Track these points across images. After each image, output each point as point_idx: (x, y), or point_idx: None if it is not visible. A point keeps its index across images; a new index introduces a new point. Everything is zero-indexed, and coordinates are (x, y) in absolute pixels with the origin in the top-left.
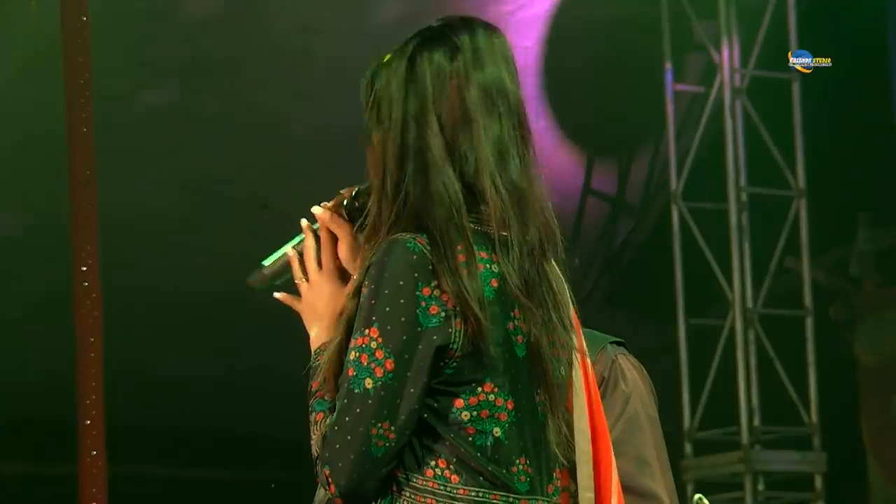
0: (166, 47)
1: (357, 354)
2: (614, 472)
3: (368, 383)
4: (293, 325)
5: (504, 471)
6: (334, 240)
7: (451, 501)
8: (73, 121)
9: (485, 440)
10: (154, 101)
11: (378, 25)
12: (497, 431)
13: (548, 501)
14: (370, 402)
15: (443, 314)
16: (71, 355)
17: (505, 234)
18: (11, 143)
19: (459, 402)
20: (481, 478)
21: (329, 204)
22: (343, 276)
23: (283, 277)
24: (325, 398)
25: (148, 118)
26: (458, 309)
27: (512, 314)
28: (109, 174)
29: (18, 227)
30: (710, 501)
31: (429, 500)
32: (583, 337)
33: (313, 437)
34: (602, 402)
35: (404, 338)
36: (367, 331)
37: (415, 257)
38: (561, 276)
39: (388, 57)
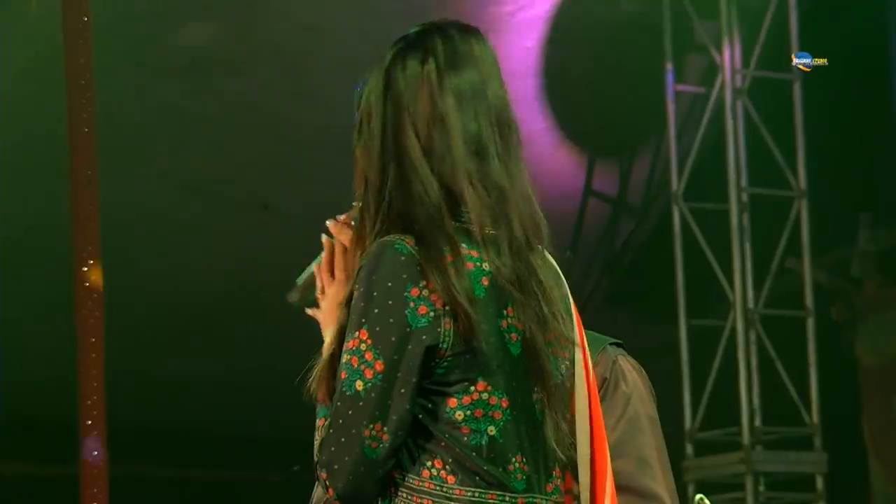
0: (167, 48)
1: (348, 357)
2: (609, 472)
3: (359, 385)
4: (293, 325)
5: (500, 469)
6: (345, 250)
7: (447, 502)
8: (74, 121)
9: (480, 439)
10: (155, 101)
11: (378, 25)
12: (492, 430)
13: (546, 500)
14: (361, 403)
15: (432, 314)
16: (72, 355)
17: (492, 231)
18: (12, 143)
19: (453, 402)
20: (477, 477)
21: (342, 217)
22: None
23: (312, 292)
24: (327, 404)
25: (149, 118)
26: (447, 308)
27: (505, 312)
28: (110, 174)
29: (19, 227)
30: (711, 502)
31: (425, 501)
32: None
33: (315, 441)
34: (603, 403)
35: (393, 339)
36: (357, 333)
37: (403, 258)
38: (557, 269)
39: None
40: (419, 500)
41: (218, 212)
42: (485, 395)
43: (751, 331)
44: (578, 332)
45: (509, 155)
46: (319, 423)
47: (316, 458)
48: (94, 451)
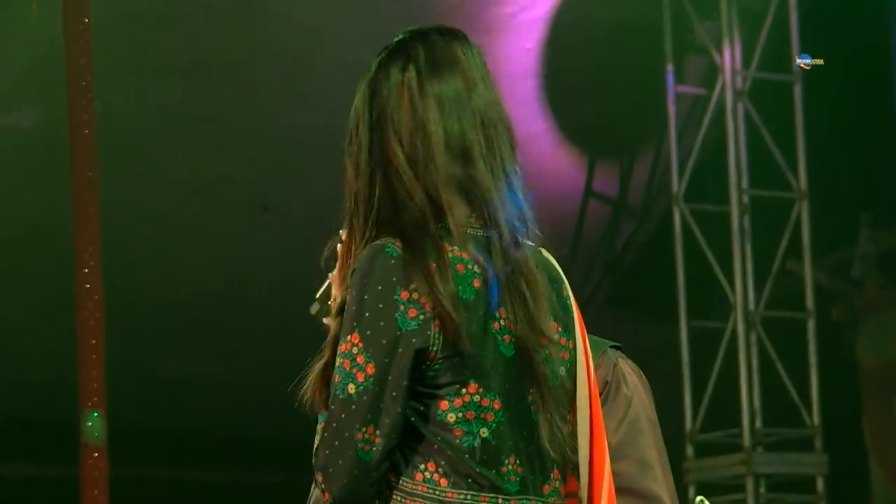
0: (167, 49)
1: (341, 360)
2: (607, 474)
3: (351, 388)
4: (293, 326)
5: (493, 472)
6: None
7: None
8: (74, 122)
9: (472, 441)
10: (155, 102)
11: (378, 26)
12: (484, 432)
13: (542, 501)
14: (354, 407)
15: (421, 317)
16: (73, 356)
17: (481, 233)
18: (12, 144)
19: (444, 405)
20: (469, 480)
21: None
22: None
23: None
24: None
25: (149, 119)
26: (435, 311)
27: (497, 314)
28: (111, 175)
29: (20, 227)
30: (711, 503)
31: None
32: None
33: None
34: (605, 405)
35: (383, 342)
36: (349, 337)
37: (393, 262)
38: (557, 270)
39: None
40: (412, 503)
41: (218, 212)
42: (476, 398)
43: (751, 332)
44: (581, 333)
45: (496, 157)
46: (320, 426)
47: (313, 460)
48: (94, 452)
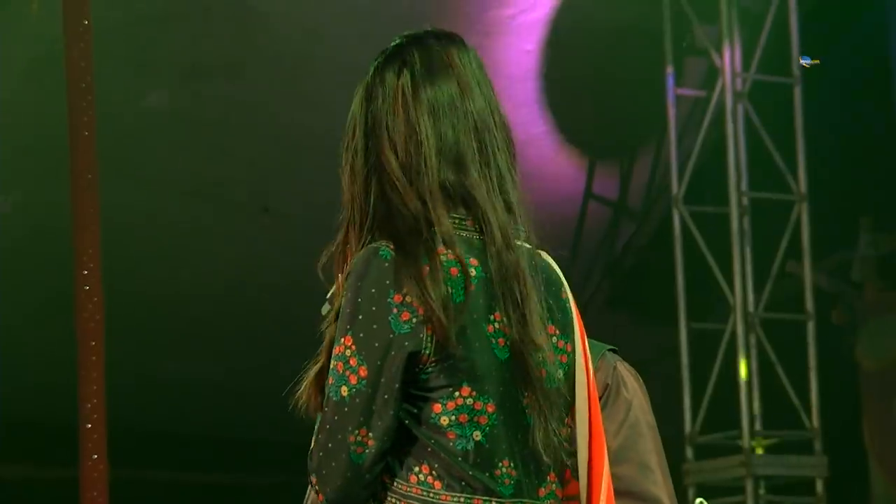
0: (168, 51)
1: (335, 363)
2: (606, 477)
3: (344, 391)
4: (293, 327)
5: (486, 475)
6: None
7: None
8: (74, 124)
9: (465, 444)
10: (155, 104)
11: (379, 29)
12: (477, 435)
13: None
14: (346, 409)
15: (414, 320)
16: (72, 359)
17: (476, 237)
18: (13, 146)
19: (437, 407)
20: (463, 483)
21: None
22: None
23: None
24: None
25: (149, 121)
26: (427, 315)
27: (492, 317)
28: (111, 178)
29: (20, 229)
30: None
31: None
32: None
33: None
34: (605, 409)
35: (376, 345)
36: (342, 339)
37: (386, 265)
38: (557, 273)
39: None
40: None
41: (218, 214)
42: (469, 401)
43: (751, 334)
44: (580, 337)
45: (489, 162)
46: (316, 427)
47: (307, 464)
48: (94, 454)
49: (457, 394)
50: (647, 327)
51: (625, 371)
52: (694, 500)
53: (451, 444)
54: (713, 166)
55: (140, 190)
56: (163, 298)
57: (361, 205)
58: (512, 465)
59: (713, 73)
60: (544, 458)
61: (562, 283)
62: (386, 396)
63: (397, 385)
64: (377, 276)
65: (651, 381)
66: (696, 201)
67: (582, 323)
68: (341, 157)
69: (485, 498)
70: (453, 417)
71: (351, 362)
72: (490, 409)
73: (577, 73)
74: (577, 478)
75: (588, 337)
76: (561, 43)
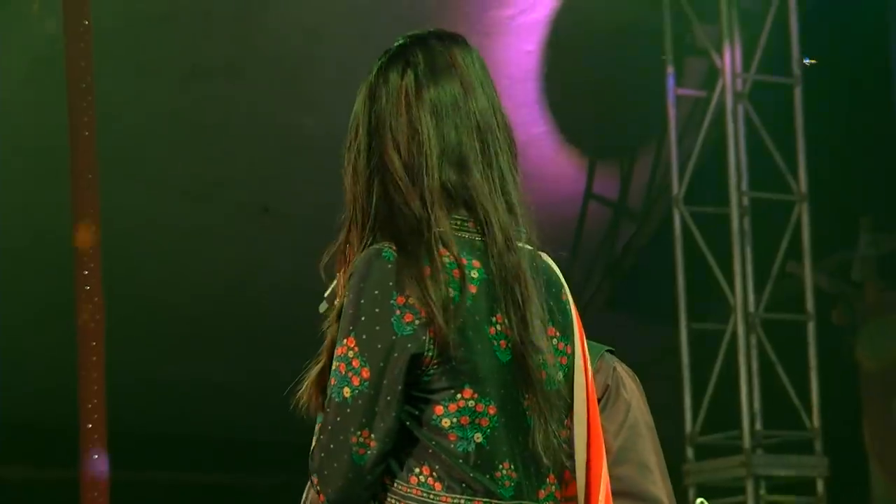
0: (168, 52)
1: (337, 364)
2: (604, 478)
3: (346, 392)
4: (294, 328)
5: (487, 477)
6: None
7: None
8: (75, 124)
9: (466, 446)
10: (155, 105)
11: (379, 30)
12: (479, 437)
13: None
14: (348, 410)
15: (416, 322)
16: (73, 359)
17: (478, 239)
18: (13, 147)
19: (439, 409)
20: (463, 485)
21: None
22: None
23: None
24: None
25: (150, 122)
26: (429, 317)
27: (494, 319)
28: (111, 179)
29: (21, 230)
30: None
31: None
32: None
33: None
34: (605, 410)
35: (379, 346)
36: (345, 340)
37: (389, 266)
38: (557, 274)
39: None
40: None
41: (219, 215)
42: (471, 403)
43: (751, 334)
44: (580, 338)
45: (491, 163)
46: (318, 428)
47: (309, 464)
48: (94, 454)
49: (459, 396)
50: (647, 327)
51: (623, 372)
52: (695, 500)
53: (452, 445)
54: (713, 166)
55: (140, 190)
56: (163, 299)
57: (363, 204)
58: (512, 466)
59: (713, 74)
60: (544, 460)
61: (562, 285)
62: (388, 398)
63: (400, 387)
64: (380, 278)
65: (652, 382)
66: (696, 201)
67: (581, 325)
68: (343, 157)
69: (485, 500)
70: (455, 419)
71: (353, 364)
72: (491, 412)
73: (578, 73)
74: (576, 478)
75: (587, 337)
76: (561, 43)
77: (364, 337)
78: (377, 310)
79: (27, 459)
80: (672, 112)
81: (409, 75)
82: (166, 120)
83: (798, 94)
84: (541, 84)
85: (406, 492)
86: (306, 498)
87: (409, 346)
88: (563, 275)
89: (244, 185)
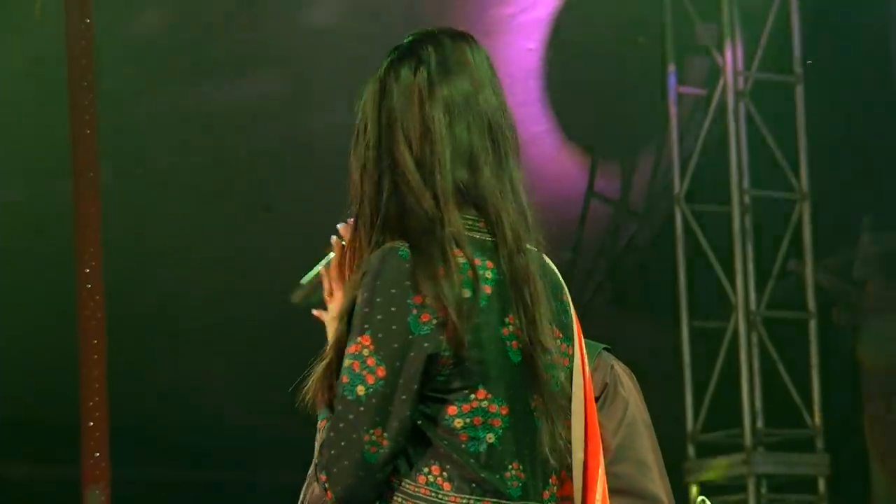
0: (169, 49)
1: (350, 362)
2: (601, 478)
3: (360, 390)
4: (294, 326)
5: (497, 476)
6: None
7: None
8: (76, 122)
9: (478, 446)
10: (157, 103)
11: (380, 28)
12: (490, 437)
13: None
14: (362, 408)
15: (434, 322)
16: (74, 357)
17: (488, 239)
18: (14, 144)
19: (452, 409)
20: (473, 485)
21: (353, 220)
22: None
23: (318, 293)
24: (325, 406)
25: (151, 120)
26: (445, 317)
27: (506, 320)
28: (112, 176)
29: (22, 228)
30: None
31: None
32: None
33: (317, 444)
34: (604, 408)
35: (395, 345)
36: (359, 338)
37: (406, 265)
38: (556, 275)
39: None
40: None
41: (220, 214)
42: (484, 403)
43: (753, 333)
44: (578, 338)
45: (501, 163)
46: (321, 424)
47: (316, 461)
48: (96, 452)
49: (472, 396)
50: (648, 326)
51: (620, 370)
52: (696, 498)
53: (464, 445)
54: (715, 165)
55: (141, 188)
56: (164, 296)
57: (372, 201)
58: (521, 467)
59: (715, 72)
60: (550, 460)
61: (562, 286)
62: (403, 397)
63: (416, 386)
64: (396, 277)
65: (653, 380)
66: (697, 200)
67: (580, 325)
68: (350, 153)
69: (493, 500)
70: (468, 420)
71: (368, 362)
72: (503, 412)
73: (579, 71)
74: (571, 477)
75: (587, 336)
76: (562, 41)
77: (380, 335)
78: (393, 308)
79: (28, 457)
80: (673, 110)
81: (422, 72)
82: (168, 118)
83: (800, 92)
84: (542, 82)
85: (414, 491)
86: (303, 498)
87: (426, 345)
88: (565, 274)
89: (244, 182)
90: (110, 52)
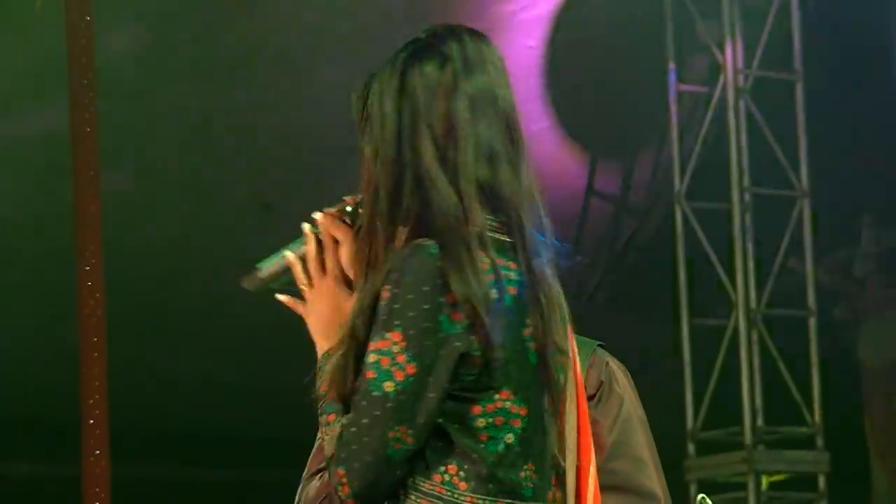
0: (170, 48)
1: (377, 357)
2: (593, 477)
3: (389, 387)
4: (296, 325)
5: (513, 477)
6: (337, 244)
7: None
8: (76, 121)
9: (496, 446)
10: (157, 101)
11: (381, 26)
12: (509, 437)
13: None
14: (389, 405)
15: (466, 321)
16: (74, 355)
17: (508, 240)
18: (14, 142)
19: (477, 409)
20: (490, 485)
21: (332, 210)
22: (347, 281)
23: (281, 281)
24: (334, 399)
25: (151, 119)
26: (475, 316)
27: (527, 321)
28: (113, 174)
29: (22, 226)
30: (713, 501)
31: None
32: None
33: (326, 437)
34: (599, 405)
35: (427, 343)
36: (388, 334)
37: (438, 263)
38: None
39: (378, 72)
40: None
41: (220, 212)
42: (507, 404)
43: (753, 330)
44: (570, 337)
45: (519, 161)
46: (328, 418)
47: (330, 454)
48: (96, 450)
49: (497, 396)
50: (648, 323)
51: (615, 366)
52: (696, 496)
53: (483, 445)
54: (715, 162)
55: (142, 186)
56: (164, 295)
57: (392, 194)
58: (533, 468)
59: (715, 70)
60: (553, 462)
61: (555, 279)
62: (432, 395)
63: (445, 385)
64: (428, 274)
65: (653, 378)
66: (698, 197)
67: (571, 325)
68: (363, 146)
69: (508, 500)
70: (490, 419)
71: (398, 359)
72: (523, 413)
73: (579, 69)
74: (560, 480)
75: (586, 333)
76: (563, 39)
77: (411, 332)
78: (426, 306)
79: (28, 456)
80: (674, 108)
81: (448, 69)
82: (168, 117)
83: (800, 89)
84: (542, 80)
85: (429, 489)
86: (300, 498)
87: (458, 344)
88: (565, 272)
89: (246, 182)
90: (111, 48)
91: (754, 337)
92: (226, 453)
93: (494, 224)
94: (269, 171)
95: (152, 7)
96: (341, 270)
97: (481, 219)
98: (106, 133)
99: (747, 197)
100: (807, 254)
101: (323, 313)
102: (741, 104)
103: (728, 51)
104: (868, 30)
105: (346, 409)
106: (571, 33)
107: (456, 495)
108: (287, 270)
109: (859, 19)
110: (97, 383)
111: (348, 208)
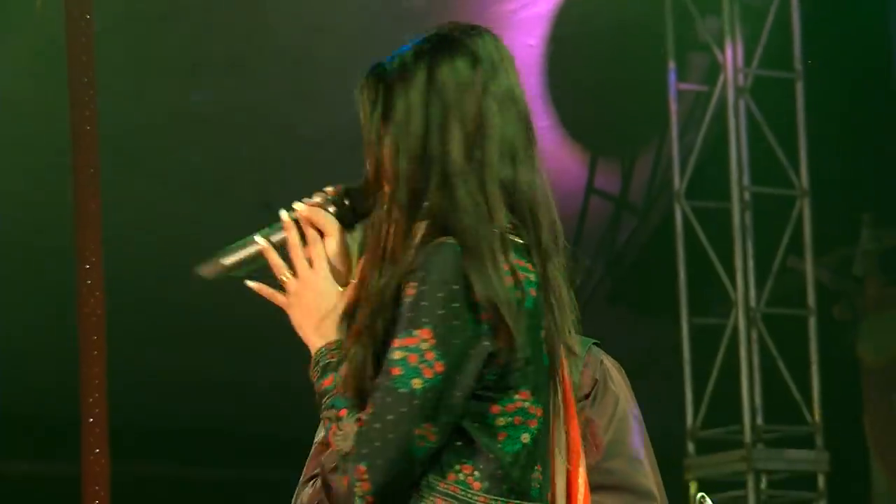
0: (169, 47)
1: (404, 354)
2: (582, 476)
3: (416, 384)
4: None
5: (526, 477)
6: (322, 236)
7: None
8: (76, 119)
9: (514, 446)
10: (157, 100)
11: (381, 25)
12: (525, 437)
13: None
14: (416, 402)
15: (493, 321)
16: (74, 353)
17: (524, 241)
18: (13, 141)
19: (497, 409)
20: (504, 485)
21: (314, 200)
22: (334, 273)
23: (247, 269)
24: (347, 395)
25: (151, 117)
26: (501, 317)
27: (543, 323)
28: (112, 173)
29: (22, 224)
30: (712, 500)
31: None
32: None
33: (339, 432)
34: (594, 404)
35: (455, 341)
36: (416, 332)
37: (465, 263)
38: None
39: (387, 64)
40: (442, 503)
41: (219, 211)
42: (526, 404)
43: (753, 329)
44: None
45: (534, 161)
46: (339, 413)
47: (347, 450)
48: (96, 448)
49: (517, 396)
50: (648, 322)
51: (610, 364)
52: (695, 495)
53: (500, 445)
54: (715, 161)
55: (142, 185)
56: (164, 293)
57: (414, 191)
58: (541, 468)
59: (715, 68)
60: (560, 461)
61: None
62: (458, 394)
63: (472, 384)
64: (456, 274)
65: (652, 377)
66: (697, 196)
67: None
68: (371, 137)
69: (517, 500)
70: (509, 419)
71: (427, 356)
72: (538, 413)
73: (580, 68)
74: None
75: (588, 333)
76: (563, 38)
77: (440, 330)
78: (455, 304)
79: (28, 454)
80: (673, 107)
81: (479, 67)
82: (167, 115)
83: (800, 88)
84: (542, 79)
85: (443, 488)
86: (297, 499)
87: (487, 344)
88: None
89: (244, 180)
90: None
91: (754, 336)
92: (226, 453)
93: (511, 225)
94: (269, 170)
95: (152, 7)
96: (329, 263)
97: (504, 220)
98: (105, 131)
99: (747, 195)
100: (806, 253)
101: (311, 307)
102: (741, 103)
103: (728, 50)
104: (868, 28)
105: (361, 405)
106: (571, 32)
107: (469, 495)
108: (257, 258)
109: (859, 17)
110: (97, 382)
111: (331, 198)
